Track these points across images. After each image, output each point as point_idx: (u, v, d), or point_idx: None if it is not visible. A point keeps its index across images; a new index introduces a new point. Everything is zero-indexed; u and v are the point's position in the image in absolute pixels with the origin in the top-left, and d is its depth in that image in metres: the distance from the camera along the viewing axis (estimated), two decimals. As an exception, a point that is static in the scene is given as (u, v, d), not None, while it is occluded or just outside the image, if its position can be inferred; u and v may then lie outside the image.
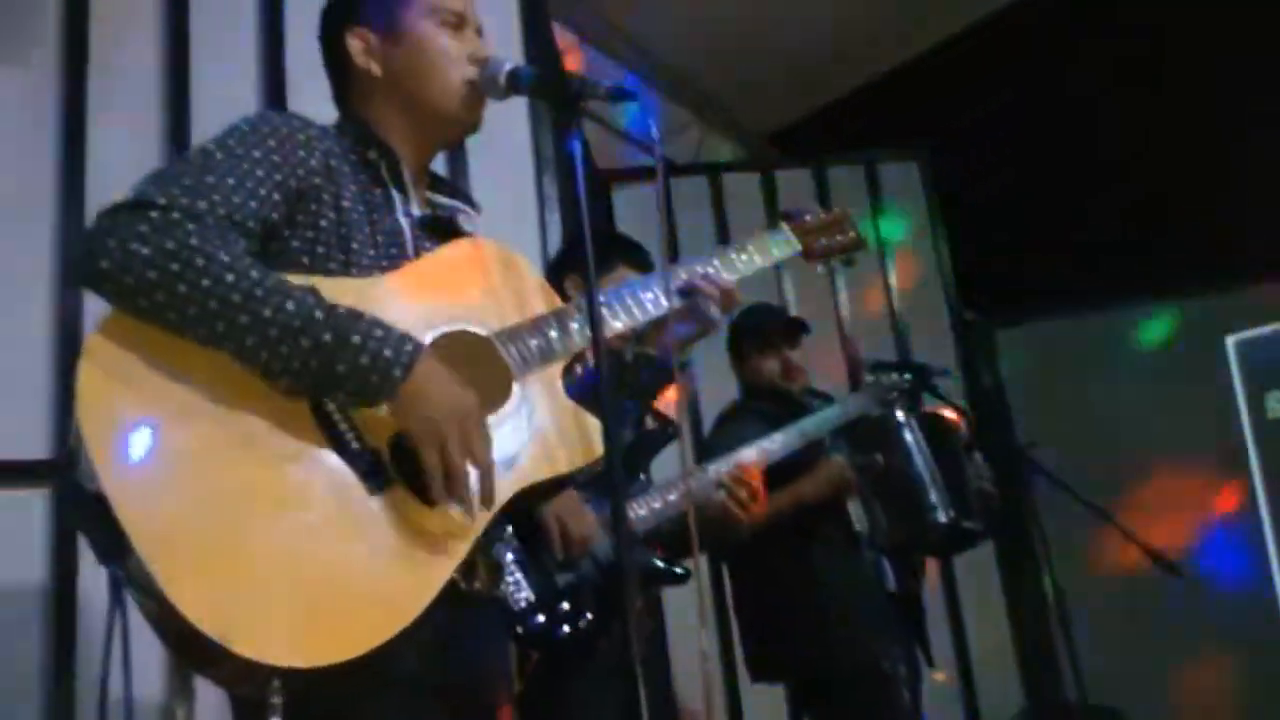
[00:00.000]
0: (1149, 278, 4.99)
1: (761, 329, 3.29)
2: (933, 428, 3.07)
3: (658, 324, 1.75)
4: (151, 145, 3.06)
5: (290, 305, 1.29)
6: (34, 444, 2.75)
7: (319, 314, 1.30)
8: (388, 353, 1.32)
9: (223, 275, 1.27)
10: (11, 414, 2.76)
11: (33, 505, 2.75)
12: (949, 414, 3.16)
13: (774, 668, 3.12)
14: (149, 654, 1.30)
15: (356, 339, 1.31)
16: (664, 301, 1.69)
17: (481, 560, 1.47)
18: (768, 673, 3.15)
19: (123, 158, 2.94)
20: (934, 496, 2.97)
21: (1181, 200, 4.91)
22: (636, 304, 1.68)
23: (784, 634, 2.99)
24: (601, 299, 1.59)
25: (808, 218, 1.98)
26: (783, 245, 1.92)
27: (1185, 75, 4.98)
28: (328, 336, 1.29)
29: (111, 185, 1.39)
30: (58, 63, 3.06)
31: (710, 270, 1.79)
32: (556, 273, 2.59)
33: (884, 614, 2.99)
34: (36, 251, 2.88)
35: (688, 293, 1.75)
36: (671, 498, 2.34)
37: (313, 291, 1.33)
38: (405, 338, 1.35)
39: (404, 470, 1.36)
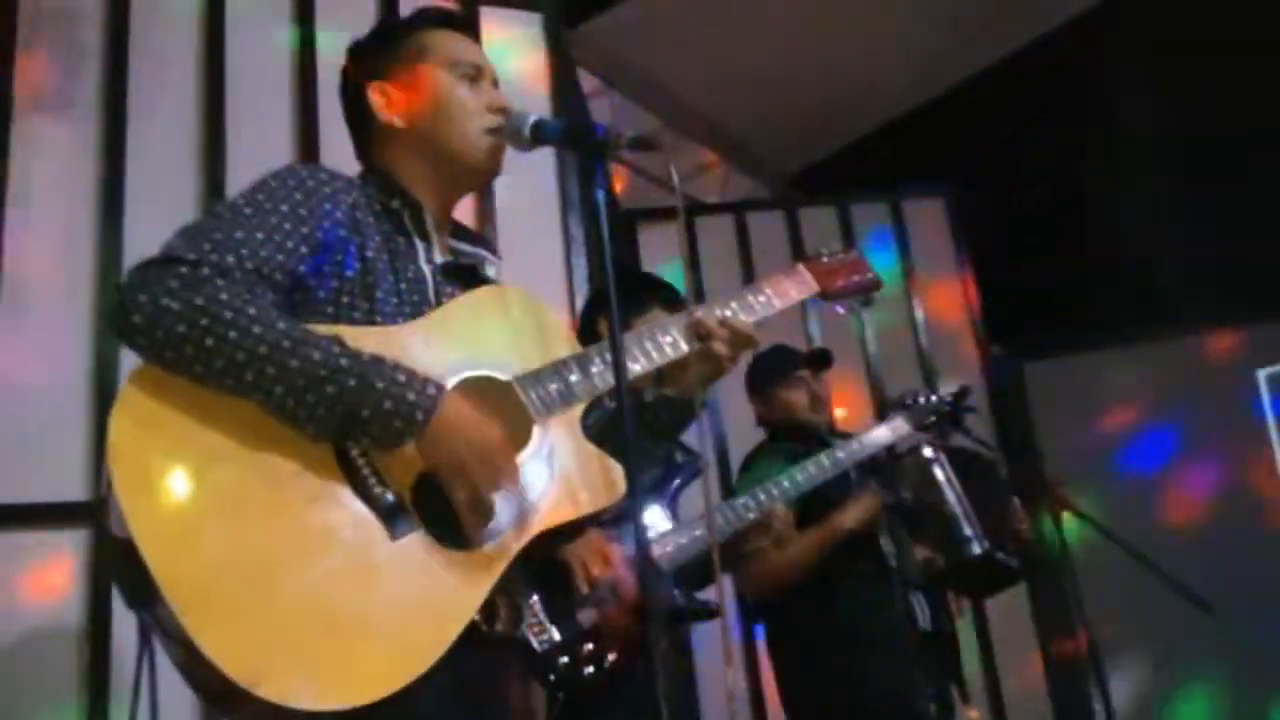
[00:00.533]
0: (1178, 312, 4.96)
1: (784, 364, 3.29)
2: (968, 463, 3.06)
3: (678, 365, 1.77)
4: (188, 196, 3.14)
5: (316, 355, 1.33)
6: (72, 487, 2.81)
7: (344, 361, 1.34)
8: (411, 396, 1.36)
9: (249, 328, 1.32)
10: (51, 457, 2.83)
11: (70, 546, 2.81)
12: (966, 446, 3.14)
13: (811, 709, 3.09)
14: (180, 697, 1.32)
15: (380, 384, 1.34)
16: (683, 344, 1.71)
17: (502, 602, 1.49)
18: (805, 714, 3.12)
19: (160, 209, 3.02)
20: (968, 529, 2.95)
21: (1211, 236, 4.88)
22: (655, 347, 1.70)
23: (818, 675, 2.97)
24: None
25: (825, 259, 1.99)
26: (800, 287, 1.93)
27: (1213, 103, 4.98)
28: (352, 382, 1.33)
29: (149, 236, 1.43)
30: (99, 115, 3.15)
31: (726, 313, 1.80)
32: (589, 315, 2.62)
33: (916, 651, 2.97)
34: (76, 299, 2.96)
35: (700, 336, 1.76)
36: (697, 533, 2.35)
37: (337, 340, 1.37)
38: (428, 381, 1.38)
39: (429, 512, 1.39)
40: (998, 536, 2.95)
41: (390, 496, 1.37)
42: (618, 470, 1.56)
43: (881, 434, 2.98)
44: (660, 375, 1.86)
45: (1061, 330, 5.07)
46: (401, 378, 1.37)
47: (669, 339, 1.72)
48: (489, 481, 1.39)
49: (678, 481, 2.39)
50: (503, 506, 1.45)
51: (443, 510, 1.41)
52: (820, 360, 3.32)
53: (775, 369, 3.28)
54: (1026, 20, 5.47)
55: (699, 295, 4.64)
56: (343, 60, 1.75)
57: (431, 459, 1.38)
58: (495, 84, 1.72)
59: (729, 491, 3.32)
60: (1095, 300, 4.95)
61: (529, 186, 3.48)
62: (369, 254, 1.52)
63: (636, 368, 1.68)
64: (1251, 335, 5.04)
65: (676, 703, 2.24)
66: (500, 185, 3.38)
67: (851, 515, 2.94)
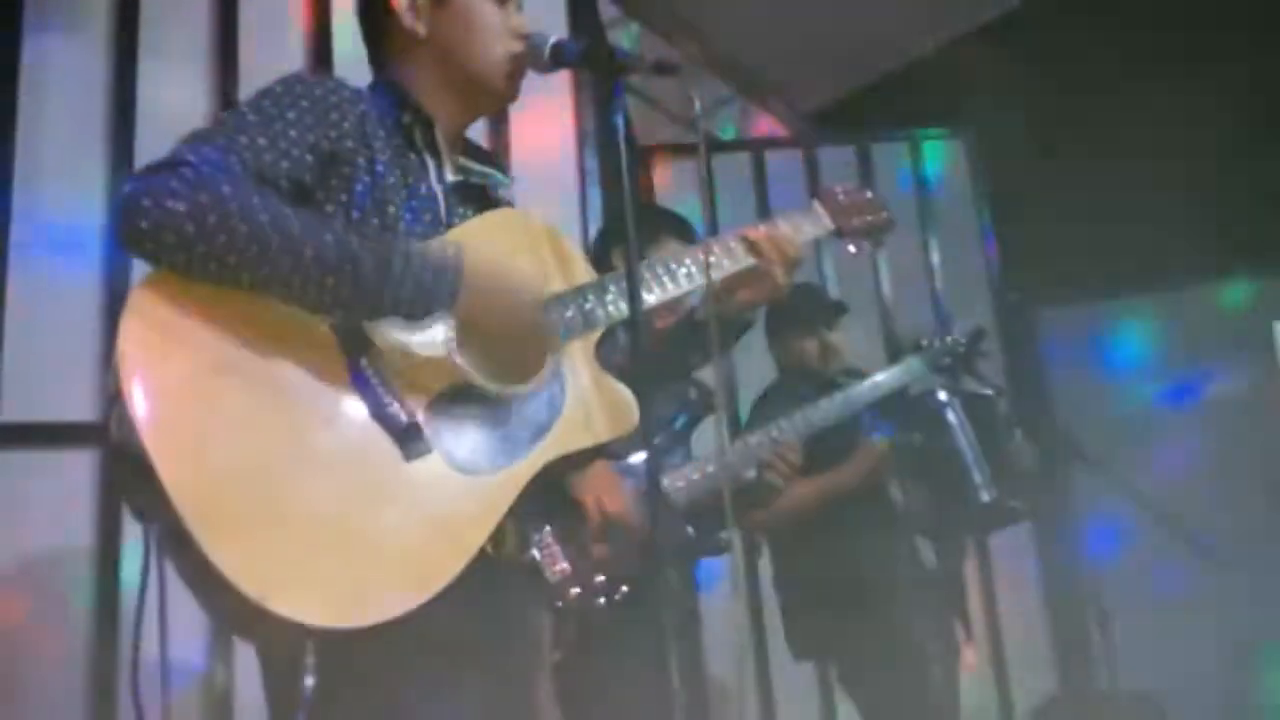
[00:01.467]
0: (1196, 260, 4.90)
1: (799, 310, 3.28)
2: (974, 405, 3.05)
3: (727, 286, 1.80)
4: (199, 110, 3.10)
5: (329, 237, 1.33)
6: (81, 407, 2.81)
7: (355, 244, 1.34)
8: (431, 269, 1.39)
9: (258, 219, 1.29)
10: (60, 376, 2.82)
11: (80, 467, 2.81)
12: (979, 390, 3.13)
13: (813, 645, 3.12)
14: (188, 618, 1.32)
15: (398, 260, 1.36)
16: (698, 275, 1.69)
17: (510, 527, 1.48)
18: (808, 649, 3.15)
19: (172, 121, 2.98)
20: (977, 476, 2.96)
21: (1232, 184, 4.81)
22: (670, 277, 1.68)
23: (822, 612, 2.99)
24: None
25: (840, 196, 1.97)
26: (815, 223, 1.92)
27: (1241, 52, 4.87)
28: (369, 261, 1.34)
29: (160, 151, 1.40)
30: (108, 30, 3.10)
31: (781, 226, 1.82)
32: (603, 245, 2.60)
33: (921, 592, 2.99)
34: (86, 215, 2.93)
35: (755, 250, 1.77)
36: (710, 469, 2.34)
37: (349, 226, 1.38)
38: (444, 251, 1.40)
39: (444, 434, 1.38)
40: (1003, 476, 2.96)
41: (404, 417, 1.36)
42: (631, 402, 1.56)
43: (895, 375, 2.97)
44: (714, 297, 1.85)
45: (1077, 276, 5.02)
46: (417, 254, 1.38)
47: (684, 270, 1.70)
48: (533, 328, 1.47)
49: (688, 417, 2.38)
50: (517, 430, 1.45)
51: (458, 431, 1.40)
52: (833, 313, 3.30)
53: (789, 314, 3.27)
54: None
55: (713, 231, 4.63)
56: None
57: (467, 320, 1.41)
58: (519, 8, 1.68)
59: (739, 430, 3.32)
60: (1112, 247, 4.89)
61: (544, 117, 3.44)
62: (379, 167, 1.49)
63: (651, 298, 1.66)
64: (1268, 287, 4.98)
65: (683, 635, 2.25)
66: (515, 115, 3.34)
67: (853, 470, 2.95)
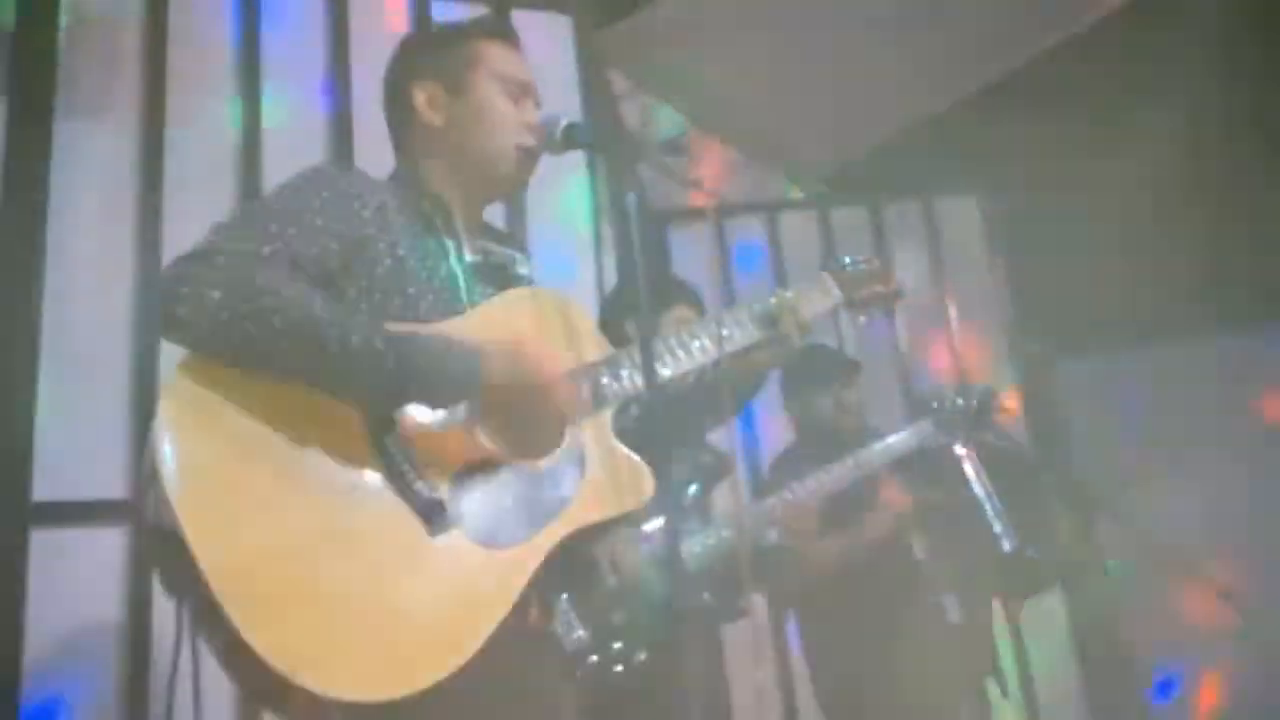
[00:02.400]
0: (1216, 311, 4.90)
1: (815, 369, 3.31)
2: (1006, 462, 3.06)
3: (741, 354, 1.85)
4: (225, 199, 3.18)
5: (355, 338, 1.37)
6: (113, 485, 2.86)
7: (379, 343, 1.39)
8: (450, 367, 1.43)
9: (290, 312, 1.35)
10: (92, 455, 2.87)
11: (111, 543, 2.85)
12: (995, 440, 3.14)
13: (846, 712, 3.10)
14: (218, 693, 1.35)
15: (421, 361, 1.41)
16: (711, 349, 1.73)
17: (534, 599, 1.51)
18: (836, 714, 3.13)
19: (199, 211, 3.06)
20: (998, 527, 2.96)
21: (1247, 236, 4.82)
22: (684, 350, 1.72)
23: (852, 678, 2.99)
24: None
25: (849, 268, 2.02)
26: (824, 296, 1.97)
27: (1250, 101, 4.92)
28: (390, 362, 1.38)
29: (188, 238, 1.46)
30: (138, 121, 3.20)
31: (791, 298, 1.88)
32: (612, 313, 2.64)
33: (949, 650, 2.98)
34: (117, 299, 3.00)
35: (771, 321, 1.83)
36: (725, 535, 2.36)
37: (374, 322, 1.43)
38: (465, 347, 1.45)
39: (465, 510, 1.42)
40: (1034, 536, 2.95)
41: (428, 493, 1.40)
42: (647, 473, 1.59)
43: (906, 439, 2.99)
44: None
45: (1095, 330, 5.02)
46: (438, 349, 1.43)
47: (698, 343, 1.74)
48: (551, 413, 1.51)
49: (703, 483, 2.40)
50: (536, 504, 1.48)
51: (479, 506, 1.43)
52: (849, 372, 3.33)
53: (804, 374, 3.31)
54: (1062, 18, 5.43)
55: (728, 295, 4.68)
56: (384, 61, 1.78)
57: (482, 414, 1.46)
58: (538, 105, 1.74)
59: (756, 493, 3.34)
60: (1130, 298, 4.90)
61: (560, 186, 3.51)
62: (400, 251, 1.55)
63: (666, 371, 1.70)
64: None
65: (706, 702, 2.25)
66: (531, 184, 3.40)
67: (873, 527, 2.96)
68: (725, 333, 1.79)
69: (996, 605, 3.18)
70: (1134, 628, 4.32)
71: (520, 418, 1.49)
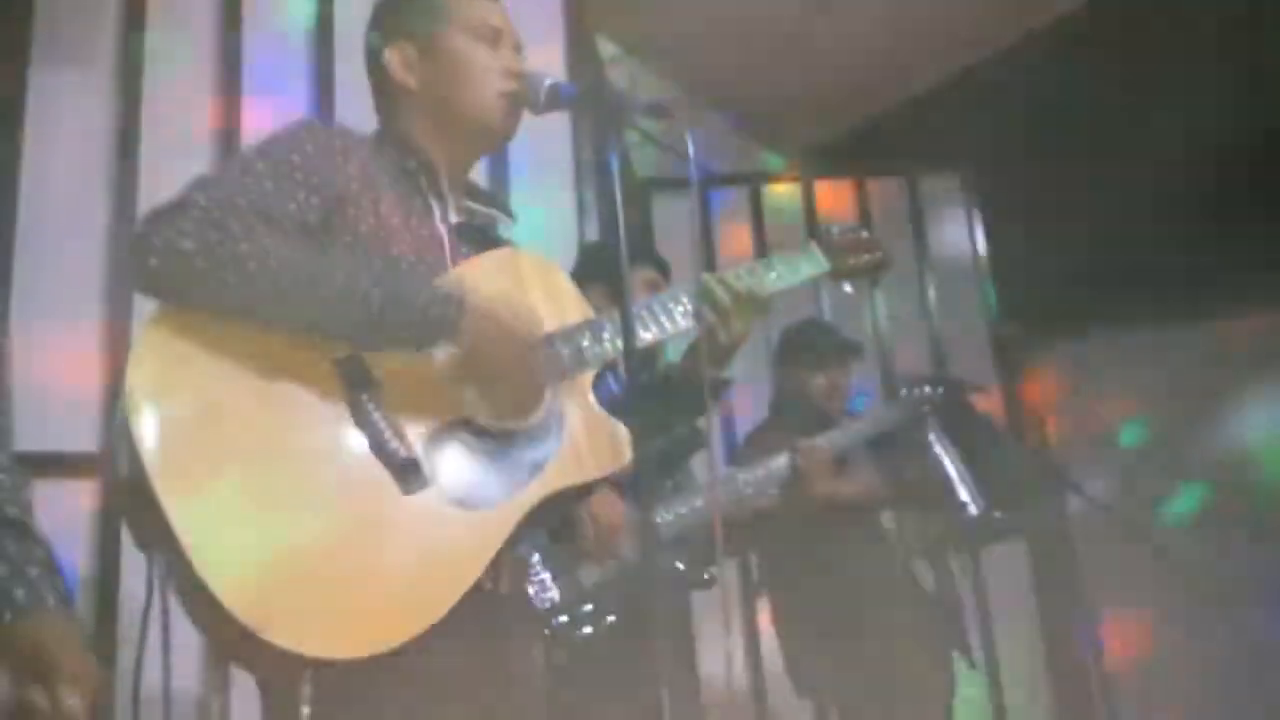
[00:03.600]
0: (1193, 297, 4.94)
1: (816, 346, 3.33)
2: (962, 420, 3.09)
3: (694, 347, 1.76)
4: (203, 149, 3.14)
5: (338, 274, 1.38)
6: (83, 438, 2.84)
7: (364, 280, 1.39)
8: (437, 303, 1.42)
9: (266, 257, 1.34)
10: (63, 409, 2.85)
11: (82, 497, 2.84)
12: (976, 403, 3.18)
13: (815, 681, 3.14)
14: (186, 645, 1.34)
15: (406, 294, 1.40)
16: (692, 313, 1.71)
17: (507, 560, 1.51)
18: (809, 686, 3.16)
19: (175, 162, 3.02)
20: (963, 493, 3.00)
21: (1232, 221, 4.85)
22: (666, 315, 1.71)
23: (822, 647, 3.02)
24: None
25: (836, 236, 2.00)
26: (811, 264, 1.93)
27: (1236, 89, 4.93)
28: (376, 300, 1.38)
29: (164, 189, 1.44)
30: (113, 71, 3.15)
31: (742, 284, 1.75)
32: (578, 281, 2.63)
33: (920, 619, 3.01)
34: (89, 253, 2.97)
35: (716, 307, 1.72)
36: (699, 504, 2.37)
37: (355, 261, 1.42)
38: (450, 289, 1.44)
39: (442, 469, 1.41)
40: (994, 487, 3.00)
41: (403, 452, 1.39)
42: (625, 436, 1.58)
43: (872, 423, 3.04)
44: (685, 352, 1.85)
45: (1075, 313, 5.05)
46: (425, 288, 1.42)
47: (680, 307, 1.72)
48: (527, 372, 1.49)
49: (679, 453, 2.41)
50: (513, 465, 1.48)
51: (455, 467, 1.43)
52: (850, 353, 3.35)
53: (806, 347, 3.33)
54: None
55: (710, 265, 4.68)
56: (363, 17, 1.75)
57: (463, 357, 1.45)
58: (517, 48, 1.72)
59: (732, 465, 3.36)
60: (1109, 282, 4.93)
61: (543, 151, 3.48)
62: (383, 209, 1.53)
63: (647, 335, 1.69)
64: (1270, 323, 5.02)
65: (674, 667, 2.27)
66: (514, 149, 3.37)
67: (852, 488, 2.99)
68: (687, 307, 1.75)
69: (958, 567, 3.22)
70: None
71: (499, 377, 1.48)
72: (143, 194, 3.00)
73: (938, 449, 3.04)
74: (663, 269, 2.60)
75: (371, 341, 1.41)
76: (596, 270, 2.37)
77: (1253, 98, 4.84)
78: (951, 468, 3.03)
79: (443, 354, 1.46)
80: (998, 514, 3.07)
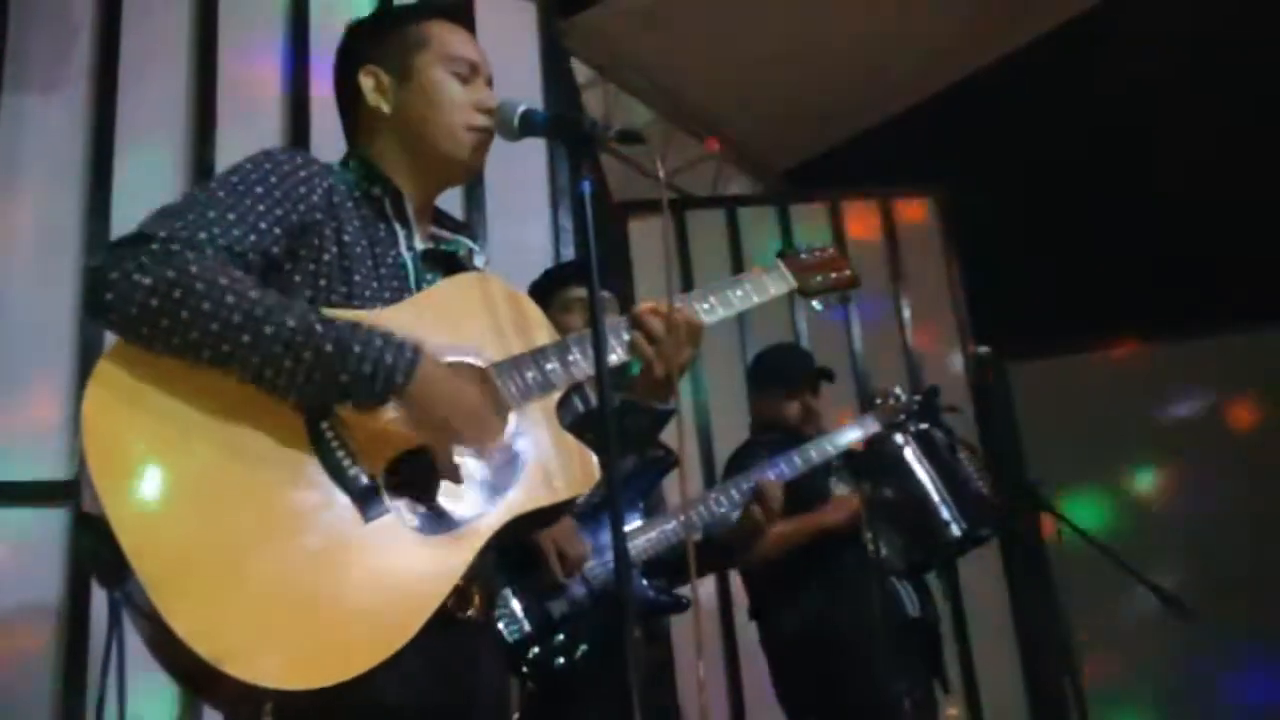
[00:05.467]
0: (1164, 315, 4.99)
1: (784, 372, 3.34)
2: (925, 442, 3.10)
3: (644, 372, 1.71)
4: (175, 178, 3.14)
5: (291, 321, 1.34)
6: (54, 466, 2.82)
7: (319, 327, 1.35)
8: (389, 359, 1.37)
9: (223, 298, 1.32)
10: (34, 437, 2.83)
11: (51, 524, 2.81)
12: (927, 426, 3.19)
13: (802, 704, 3.13)
14: (157, 677, 1.33)
15: (358, 348, 1.36)
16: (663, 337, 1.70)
17: (475, 587, 1.50)
18: (799, 711, 3.16)
19: (148, 191, 3.02)
20: (945, 513, 3.01)
21: (1196, 239, 4.91)
22: (617, 340, 1.70)
23: (801, 675, 3.01)
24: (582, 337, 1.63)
25: (804, 256, 2.00)
26: (778, 282, 1.93)
27: (1206, 108, 5.00)
28: (329, 348, 1.34)
29: (136, 218, 1.43)
30: (88, 96, 3.15)
31: (679, 304, 1.72)
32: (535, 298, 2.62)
33: (900, 643, 3.01)
34: (61, 280, 2.95)
35: (647, 336, 1.68)
36: (669, 527, 2.36)
37: (311, 308, 1.39)
38: (405, 343, 1.40)
39: (404, 495, 1.40)
40: (970, 507, 3.00)
41: (364, 479, 1.38)
42: (592, 459, 1.57)
43: (851, 433, 3.02)
44: (628, 385, 1.82)
45: (1047, 331, 5.09)
46: (379, 340, 1.38)
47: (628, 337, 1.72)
48: (473, 437, 1.44)
49: (650, 476, 2.40)
50: (477, 489, 1.47)
51: (417, 493, 1.42)
52: (821, 380, 3.38)
53: (778, 373, 3.34)
54: (1022, 21, 5.48)
55: (688, 287, 4.68)
56: (336, 41, 1.75)
57: (413, 419, 1.40)
58: (489, 83, 1.72)
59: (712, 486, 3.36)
60: (1081, 302, 4.97)
61: (519, 176, 3.49)
62: (346, 237, 1.53)
63: (614, 358, 1.68)
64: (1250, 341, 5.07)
65: (650, 694, 2.25)
66: (490, 174, 3.38)
67: (832, 516, 3.00)
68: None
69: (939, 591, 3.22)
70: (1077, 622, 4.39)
71: (457, 418, 1.46)
72: (115, 224, 2.99)
73: (910, 459, 3.05)
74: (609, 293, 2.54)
75: (321, 397, 1.37)
76: (548, 295, 2.38)
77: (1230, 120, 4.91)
78: (929, 480, 3.04)
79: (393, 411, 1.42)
80: (980, 533, 3.08)
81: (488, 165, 1.74)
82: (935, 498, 3.01)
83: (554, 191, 3.56)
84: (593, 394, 1.63)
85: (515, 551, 2.02)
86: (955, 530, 2.99)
